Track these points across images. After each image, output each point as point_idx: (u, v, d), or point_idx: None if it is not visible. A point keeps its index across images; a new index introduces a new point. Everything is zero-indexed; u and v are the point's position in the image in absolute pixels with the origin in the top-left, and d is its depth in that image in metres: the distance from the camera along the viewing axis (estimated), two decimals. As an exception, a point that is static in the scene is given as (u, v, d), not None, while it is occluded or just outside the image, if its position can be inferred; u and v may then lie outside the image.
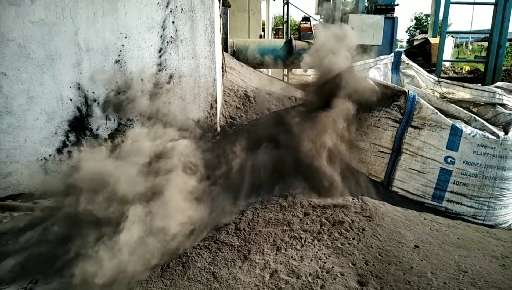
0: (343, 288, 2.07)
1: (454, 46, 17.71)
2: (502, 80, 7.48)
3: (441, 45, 5.74)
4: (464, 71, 14.46)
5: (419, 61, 6.52)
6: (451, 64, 16.10)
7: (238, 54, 5.68)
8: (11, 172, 3.54)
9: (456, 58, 19.89)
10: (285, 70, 7.72)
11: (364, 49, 5.55)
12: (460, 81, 8.08)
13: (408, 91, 2.88)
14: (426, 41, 6.68)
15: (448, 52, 15.23)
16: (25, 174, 3.56)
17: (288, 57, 5.74)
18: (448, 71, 14.17)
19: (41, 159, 3.56)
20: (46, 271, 2.40)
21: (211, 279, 2.21)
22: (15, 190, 3.58)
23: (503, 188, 2.84)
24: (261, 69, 6.50)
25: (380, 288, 2.08)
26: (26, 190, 3.59)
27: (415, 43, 13.77)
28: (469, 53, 19.50)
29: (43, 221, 3.02)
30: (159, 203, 2.55)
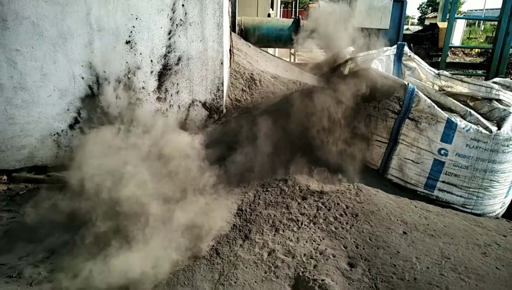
0: (334, 269, 2.29)
1: (466, 25, 17.46)
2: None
3: (448, 30, 5.77)
4: (474, 52, 14.39)
5: (426, 45, 6.56)
6: (461, 44, 15.95)
7: (246, 33, 5.75)
8: (25, 145, 3.73)
9: (468, 37, 19.64)
10: (293, 49, 7.77)
11: (370, 33, 5.60)
12: (466, 67, 8.11)
13: (408, 84, 3.01)
14: (434, 25, 6.69)
15: (459, 32, 15.07)
16: (38, 148, 3.76)
17: (296, 37, 5.81)
18: (458, 52, 14.10)
19: (54, 134, 3.75)
20: (63, 242, 2.63)
21: (214, 255, 2.43)
22: (29, 163, 3.78)
23: (493, 180, 3.01)
24: (269, 49, 6.58)
25: (368, 270, 2.30)
26: (39, 162, 3.80)
27: (426, 22, 13.63)
28: (480, 33, 19.22)
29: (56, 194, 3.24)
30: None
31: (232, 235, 2.56)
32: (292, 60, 8.04)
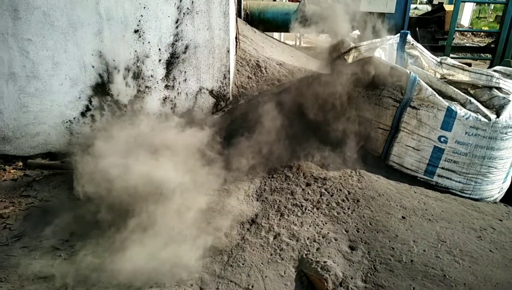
0: (336, 252, 2.46)
1: (476, 5, 17.21)
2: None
3: (454, 14, 5.79)
4: (482, 33, 14.25)
5: (432, 28, 6.57)
6: (470, 25, 15.80)
7: (251, 18, 5.82)
8: (39, 133, 3.89)
9: (477, 17, 19.37)
10: (298, 34, 7.79)
11: (376, 17, 5.63)
12: (472, 51, 8.09)
13: (410, 72, 3.11)
14: (441, 7, 6.68)
15: (468, 13, 14.91)
16: (52, 135, 3.92)
17: (301, 21, 5.85)
18: (466, 33, 13.98)
19: (67, 122, 3.90)
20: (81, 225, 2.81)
21: (223, 238, 2.60)
22: (43, 149, 3.95)
23: (491, 166, 3.13)
24: (274, 33, 6.63)
25: (368, 253, 2.46)
26: (53, 149, 3.96)
27: (435, 1, 13.48)
28: (490, 12, 18.94)
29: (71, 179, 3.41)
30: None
31: (239, 219, 2.72)
32: (298, 44, 8.07)
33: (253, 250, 2.50)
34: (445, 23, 6.49)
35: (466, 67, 3.32)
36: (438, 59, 3.49)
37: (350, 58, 3.52)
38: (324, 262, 2.34)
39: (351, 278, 2.30)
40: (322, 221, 2.69)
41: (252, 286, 2.25)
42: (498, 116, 3.03)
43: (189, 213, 2.61)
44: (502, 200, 3.42)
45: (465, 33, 13.88)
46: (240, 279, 2.30)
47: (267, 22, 5.82)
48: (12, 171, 3.70)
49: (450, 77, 3.41)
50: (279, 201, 2.85)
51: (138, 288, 2.22)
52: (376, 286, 2.24)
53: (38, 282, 2.33)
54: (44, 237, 2.76)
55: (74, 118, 3.90)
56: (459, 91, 3.13)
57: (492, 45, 7.48)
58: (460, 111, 3.01)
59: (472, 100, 3.09)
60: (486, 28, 14.40)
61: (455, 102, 3.11)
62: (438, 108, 3.03)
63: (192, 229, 2.54)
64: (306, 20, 5.86)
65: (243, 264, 2.41)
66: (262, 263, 2.41)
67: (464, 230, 2.71)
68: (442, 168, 3.15)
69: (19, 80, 3.70)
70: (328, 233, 2.59)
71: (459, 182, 3.18)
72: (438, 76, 3.44)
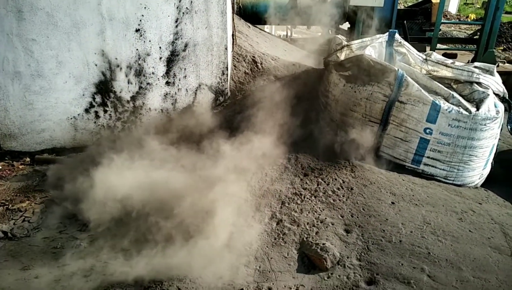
0: (333, 235, 2.81)
1: (463, -9, 17.67)
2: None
3: (440, 7, 6.14)
4: (469, 19, 14.72)
5: (419, 20, 6.91)
6: (457, 12, 16.25)
7: (244, 11, 6.07)
8: (45, 129, 4.14)
9: (465, 3, 19.85)
10: (289, 26, 8.07)
11: (365, 10, 5.94)
12: (457, 43, 8.46)
13: (398, 69, 3.44)
14: (428, 0, 7.02)
15: (455, 0, 15.33)
16: (57, 131, 4.17)
17: (293, 14, 6.14)
18: (453, 19, 14.42)
19: (71, 118, 4.15)
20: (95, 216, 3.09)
21: (229, 225, 2.92)
22: (48, 145, 4.20)
23: (471, 155, 3.51)
24: (265, 25, 6.89)
25: (361, 235, 2.81)
26: (58, 145, 4.22)
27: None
28: (476, 0, 19.47)
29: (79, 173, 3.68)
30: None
31: (244, 208, 3.04)
32: (289, 34, 8.36)
33: (258, 235, 2.82)
34: (432, 15, 6.83)
35: (449, 63, 3.67)
36: (424, 56, 3.83)
37: (342, 56, 3.83)
38: (323, 244, 2.69)
39: (347, 257, 2.65)
40: (320, 207, 3.03)
41: (260, 266, 2.59)
42: (478, 109, 3.39)
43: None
44: (482, 185, 3.81)
45: (452, 18, 14.36)
46: (249, 261, 2.63)
47: (259, 15, 6.08)
48: (20, 166, 3.95)
49: (435, 73, 3.75)
50: (280, 190, 3.18)
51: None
52: (369, 263, 2.60)
53: (64, 269, 2.62)
54: (62, 228, 3.04)
55: (78, 114, 4.15)
56: (443, 86, 3.48)
57: (476, 36, 7.88)
58: (444, 105, 3.36)
59: (455, 94, 3.44)
60: (472, 15, 14.87)
61: (439, 97, 3.46)
62: (424, 103, 3.38)
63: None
64: (298, 13, 6.16)
65: (249, 247, 2.74)
66: (267, 247, 2.75)
67: (447, 213, 3.08)
68: (428, 157, 3.51)
69: (24, 79, 3.93)
70: (325, 218, 2.93)
71: (443, 169, 3.54)
72: (424, 72, 3.79)
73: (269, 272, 2.57)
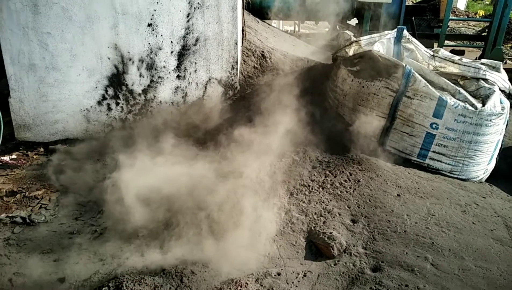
0: (340, 224, 2.93)
1: (473, -13, 17.67)
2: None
3: (449, 3, 6.22)
4: (478, 16, 14.74)
5: (427, 16, 6.99)
6: (466, 8, 16.25)
7: (253, 6, 6.19)
8: (58, 120, 4.28)
9: (473, 0, 19.80)
10: (297, 21, 8.17)
11: (373, 6, 6.04)
12: (465, 39, 8.54)
13: (406, 65, 3.55)
14: (437, -4, 7.09)
15: (463, -3, 15.37)
16: (70, 122, 4.31)
17: (301, 10, 6.25)
18: (462, 16, 14.45)
19: (84, 110, 4.29)
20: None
21: (240, 214, 3.05)
22: (61, 136, 4.35)
23: (477, 150, 3.61)
24: (273, 20, 7.00)
25: (367, 225, 2.94)
26: (71, 136, 4.36)
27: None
28: (487, -5, 19.42)
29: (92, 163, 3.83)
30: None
31: (253, 199, 3.16)
32: (296, 29, 8.46)
33: (267, 224, 2.95)
34: (440, 11, 6.91)
35: (457, 60, 3.77)
36: (431, 52, 3.94)
37: (351, 51, 3.95)
38: (330, 233, 2.82)
39: (353, 246, 2.78)
40: (327, 198, 3.16)
41: (269, 253, 2.72)
42: (483, 105, 3.50)
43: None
44: (487, 180, 3.92)
45: (461, 15, 14.39)
46: (258, 248, 2.76)
47: (268, 10, 6.19)
48: (35, 156, 4.10)
49: (442, 69, 3.86)
50: (288, 182, 3.31)
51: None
52: (375, 252, 2.72)
53: (81, 253, 2.76)
54: (78, 215, 3.19)
55: (91, 106, 4.29)
56: (449, 82, 3.59)
57: (484, 33, 7.94)
58: (450, 100, 3.47)
59: (461, 90, 3.55)
60: (482, 12, 14.89)
61: (446, 92, 3.57)
62: (431, 98, 3.49)
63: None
64: (306, 8, 6.26)
65: (259, 235, 2.87)
66: (276, 235, 2.88)
67: (451, 205, 3.20)
68: (434, 151, 3.62)
69: (39, 71, 4.07)
70: (332, 209, 3.06)
71: (448, 164, 3.66)
72: (431, 68, 3.89)
73: (278, 258, 2.71)
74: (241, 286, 2.33)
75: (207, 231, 2.78)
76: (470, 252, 2.75)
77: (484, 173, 3.84)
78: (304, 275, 2.57)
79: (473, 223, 3.04)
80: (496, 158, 3.95)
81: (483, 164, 3.76)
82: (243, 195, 3.15)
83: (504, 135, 3.86)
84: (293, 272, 2.60)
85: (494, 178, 3.96)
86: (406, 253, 2.70)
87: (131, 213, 2.97)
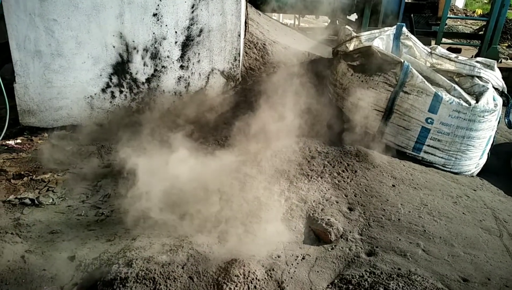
0: (337, 211, 3.12)
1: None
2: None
3: (447, 1, 6.39)
4: (476, 15, 14.96)
5: (426, 13, 7.16)
6: (464, 7, 16.46)
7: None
8: (62, 107, 4.41)
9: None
10: (297, 15, 8.31)
11: (371, 2, 6.19)
12: (462, 38, 8.72)
13: (404, 61, 3.72)
14: (436, -7, 7.27)
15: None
16: (74, 109, 4.44)
17: (302, 4, 6.39)
18: (460, 14, 14.67)
19: (88, 97, 4.42)
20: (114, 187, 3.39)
21: (241, 200, 3.22)
22: (65, 122, 4.48)
23: (469, 145, 3.81)
24: (274, 14, 7.14)
25: (363, 213, 3.12)
26: (75, 122, 4.49)
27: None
28: (485, -7, 19.65)
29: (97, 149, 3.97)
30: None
31: (255, 185, 3.33)
32: (296, 23, 8.60)
33: (268, 210, 3.13)
34: (438, 9, 7.08)
35: (453, 57, 3.96)
36: (429, 49, 4.12)
37: (351, 46, 4.11)
38: (328, 219, 2.99)
39: (350, 232, 2.96)
40: (325, 187, 3.34)
41: (270, 237, 2.90)
42: (477, 102, 3.69)
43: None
44: (478, 175, 4.12)
45: (459, 13, 14.60)
46: (258, 232, 2.93)
47: (269, 4, 6.33)
48: (39, 141, 4.23)
49: (439, 66, 4.04)
50: (288, 170, 3.48)
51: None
52: (370, 238, 2.91)
53: (90, 234, 2.92)
54: (84, 198, 3.34)
55: (95, 94, 4.42)
56: (445, 79, 3.77)
57: (481, 32, 8.14)
58: (445, 96, 3.66)
59: (456, 87, 3.73)
60: (480, 10, 15.11)
61: (442, 88, 3.76)
62: (427, 94, 3.67)
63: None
64: (307, 2, 6.40)
65: (259, 221, 3.04)
66: (276, 220, 3.05)
67: (443, 197, 3.39)
68: (428, 145, 3.82)
69: (45, 57, 4.19)
70: (330, 197, 3.24)
71: (441, 157, 3.85)
72: (428, 64, 4.07)
73: (278, 242, 2.88)
74: (244, 266, 2.50)
75: (214, 218, 2.95)
76: (459, 240, 2.95)
77: (475, 168, 4.04)
78: (303, 258, 2.75)
79: (463, 213, 3.24)
80: (488, 154, 4.15)
81: (475, 158, 3.96)
82: (245, 183, 3.32)
83: (496, 132, 4.06)
84: (292, 255, 2.77)
85: (485, 173, 4.17)
86: (399, 239, 2.89)
87: (136, 196, 3.13)
